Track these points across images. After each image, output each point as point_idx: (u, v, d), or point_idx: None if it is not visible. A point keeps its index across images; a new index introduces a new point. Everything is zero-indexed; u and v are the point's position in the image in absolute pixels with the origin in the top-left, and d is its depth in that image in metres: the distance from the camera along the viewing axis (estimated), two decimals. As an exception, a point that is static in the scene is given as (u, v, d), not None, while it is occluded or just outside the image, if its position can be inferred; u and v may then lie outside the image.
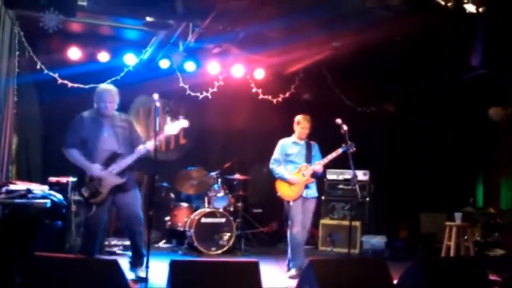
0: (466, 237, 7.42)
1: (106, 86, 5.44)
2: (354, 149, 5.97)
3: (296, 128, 6.39)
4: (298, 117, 6.40)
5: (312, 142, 6.47)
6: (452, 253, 7.21)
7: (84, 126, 5.30)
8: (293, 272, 6.08)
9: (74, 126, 5.33)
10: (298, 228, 6.18)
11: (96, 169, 5.18)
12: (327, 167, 7.95)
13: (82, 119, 5.34)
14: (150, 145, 5.27)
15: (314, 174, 6.28)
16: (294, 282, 5.65)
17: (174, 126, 5.43)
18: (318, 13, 6.12)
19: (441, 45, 6.97)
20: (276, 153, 6.43)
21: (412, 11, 5.84)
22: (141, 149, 5.30)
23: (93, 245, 5.36)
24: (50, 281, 3.77)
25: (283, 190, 6.28)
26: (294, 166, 6.33)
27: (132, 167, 5.32)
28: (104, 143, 5.29)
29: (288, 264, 6.26)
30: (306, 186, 6.26)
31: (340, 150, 6.11)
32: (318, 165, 6.24)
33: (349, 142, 5.94)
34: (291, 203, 6.22)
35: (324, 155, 6.37)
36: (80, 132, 5.28)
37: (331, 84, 8.84)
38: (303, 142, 6.41)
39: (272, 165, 6.39)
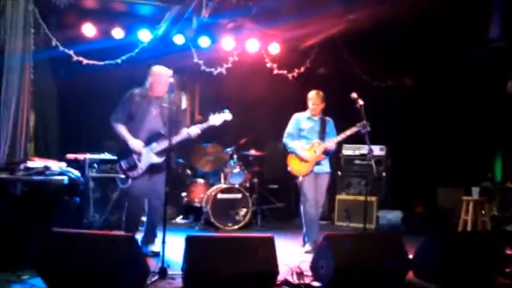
0: (483, 212, 7.36)
1: (162, 68, 5.46)
2: (368, 129, 5.86)
3: (308, 104, 6.32)
4: (310, 93, 6.32)
5: (327, 118, 6.40)
6: (469, 228, 7.18)
7: (133, 102, 5.45)
8: (308, 247, 6.12)
9: (123, 101, 5.49)
10: (310, 203, 6.18)
11: (138, 144, 5.36)
12: (342, 142, 7.94)
13: (132, 95, 5.49)
14: (193, 130, 5.43)
15: (326, 151, 6.22)
16: (310, 256, 5.73)
17: (218, 118, 5.52)
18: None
19: (458, 18, 6.82)
20: (290, 128, 6.38)
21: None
22: (183, 132, 5.42)
23: (134, 218, 5.55)
24: (67, 256, 3.84)
25: (294, 165, 6.26)
26: (307, 142, 6.27)
27: (172, 149, 5.38)
28: (149, 122, 5.45)
29: (304, 239, 6.29)
30: (317, 163, 6.22)
31: (354, 129, 6.01)
32: (330, 143, 6.18)
33: (364, 122, 5.81)
34: (302, 179, 6.20)
35: (339, 130, 6.30)
36: (128, 108, 5.45)
37: (347, 58, 8.73)
38: (317, 118, 6.34)
39: (285, 139, 6.35)
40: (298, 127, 6.34)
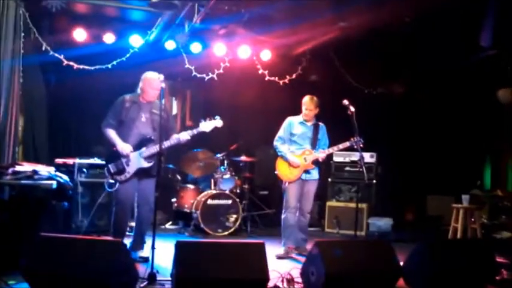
0: (473, 220, 7.39)
1: (154, 73, 5.45)
2: (361, 145, 5.89)
3: (302, 108, 6.29)
4: (304, 99, 6.29)
5: (320, 124, 6.38)
6: (459, 235, 7.19)
7: (123, 108, 5.46)
8: (281, 251, 6.11)
9: (114, 106, 5.52)
10: (292, 210, 6.15)
11: (127, 148, 5.35)
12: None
13: (123, 101, 5.50)
14: (183, 136, 5.44)
15: (315, 161, 6.19)
16: (287, 262, 5.74)
17: (209, 125, 5.53)
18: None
19: (450, 25, 6.86)
20: (282, 131, 6.35)
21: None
22: (173, 138, 5.43)
23: (122, 223, 5.51)
24: (55, 261, 3.79)
25: (282, 170, 6.23)
26: (297, 147, 6.24)
27: (162, 154, 5.34)
28: (139, 127, 5.46)
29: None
30: (306, 171, 6.19)
31: (347, 144, 6.04)
32: (321, 154, 6.15)
33: (357, 136, 5.85)
34: (287, 185, 6.17)
35: (331, 137, 6.31)
36: (119, 113, 5.46)
37: (338, 65, 8.77)
38: (310, 124, 6.31)
39: (276, 143, 6.32)
40: (290, 131, 6.30)
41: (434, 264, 4.46)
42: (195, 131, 5.51)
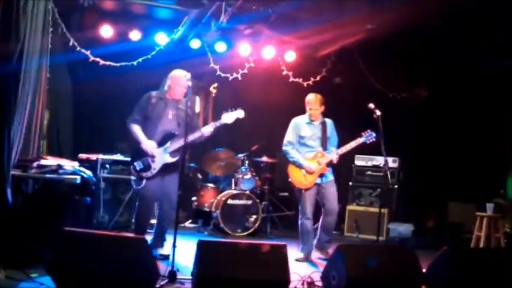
0: (498, 229, 7.27)
1: (182, 71, 5.50)
2: (374, 139, 5.77)
3: (306, 108, 6.09)
4: (308, 97, 6.09)
5: (327, 120, 6.16)
6: (482, 244, 7.08)
7: (150, 104, 5.50)
8: (301, 255, 6.00)
9: (140, 103, 5.56)
10: (308, 216, 5.97)
11: (152, 145, 5.38)
12: (355, 152, 7.89)
13: (150, 97, 5.55)
14: (206, 129, 5.47)
15: (330, 163, 6.01)
16: (302, 265, 5.68)
17: (231, 116, 5.54)
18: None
19: (474, 28, 6.76)
20: (290, 135, 6.12)
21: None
22: (196, 132, 5.45)
23: (144, 220, 5.57)
24: (77, 255, 3.81)
25: (296, 176, 6.01)
26: (308, 150, 6.04)
27: (187, 148, 5.42)
28: (165, 124, 5.50)
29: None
30: (322, 175, 5.99)
31: (360, 140, 5.89)
32: (335, 155, 5.93)
33: (368, 130, 5.76)
34: (303, 192, 5.95)
35: (352, 140, 6.12)
36: (145, 110, 5.50)
37: (363, 68, 8.70)
38: (317, 123, 6.09)
39: (286, 147, 6.09)
40: (298, 134, 6.09)
41: (458, 272, 4.39)
42: (217, 123, 5.52)
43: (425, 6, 6.28)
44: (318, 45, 8.46)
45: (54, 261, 3.84)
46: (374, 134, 5.80)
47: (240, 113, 5.57)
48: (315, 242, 6.17)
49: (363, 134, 5.88)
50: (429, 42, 7.76)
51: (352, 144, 5.95)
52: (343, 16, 6.75)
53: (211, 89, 5.52)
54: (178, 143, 5.37)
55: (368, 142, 5.84)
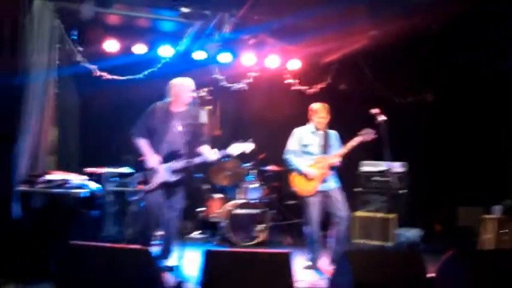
0: (507, 231, 7.21)
1: (183, 79, 5.48)
2: (372, 136, 5.74)
3: (313, 117, 6.09)
4: (316, 106, 6.09)
5: (330, 131, 6.15)
6: (490, 246, 7.04)
7: (155, 117, 5.41)
8: (309, 263, 5.99)
9: (145, 115, 5.46)
10: (314, 224, 5.94)
11: (154, 160, 5.31)
12: (361, 158, 7.87)
13: (154, 109, 5.45)
14: (210, 155, 5.37)
15: (332, 166, 5.97)
16: (310, 273, 5.68)
17: (237, 148, 5.42)
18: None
19: (479, 32, 6.76)
20: (292, 144, 6.11)
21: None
22: (202, 155, 5.39)
23: (147, 232, 5.46)
24: (84, 269, 3.84)
25: (300, 184, 5.99)
26: (310, 157, 6.03)
27: (190, 169, 5.38)
28: (170, 137, 5.39)
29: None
30: (324, 180, 5.97)
31: (358, 139, 5.84)
32: (335, 158, 5.91)
33: (366, 129, 5.74)
34: (308, 199, 5.93)
35: (360, 147, 6.05)
36: (150, 122, 5.40)
37: (368, 74, 8.71)
38: (321, 132, 6.09)
39: (288, 156, 6.09)
40: (301, 143, 6.09)
41: (466, 276, 4.36)
42: (224, 153, 5.44)
43: (429, 13, 6.29)
44: (322, 53, 8.48)
45: (62, 275, 3.87)
46: (372, 131, 5.77)
47: (249, 146, 5.46)
48: (331, 255, 6.00)
49: (361, 131, 5.85)
50: (434, 46, 7.75)
51: (352, 143, 5.90)
52: (347, 25, 6.76)
53: (201, 92, 5.40)
54: (181, 164, 5.31)
55: (368, 139, 5.79)
